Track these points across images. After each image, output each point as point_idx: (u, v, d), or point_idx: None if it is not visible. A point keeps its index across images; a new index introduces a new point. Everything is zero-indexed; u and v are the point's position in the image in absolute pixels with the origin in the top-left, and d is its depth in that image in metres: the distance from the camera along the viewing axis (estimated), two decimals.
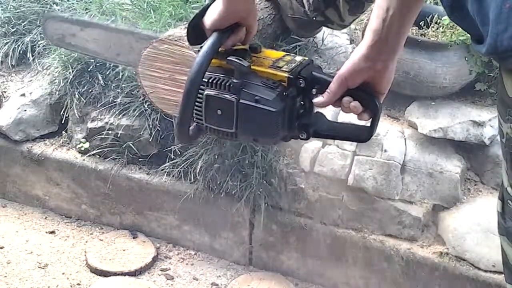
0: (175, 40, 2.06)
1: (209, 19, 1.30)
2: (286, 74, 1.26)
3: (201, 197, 2.51)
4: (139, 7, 2.71)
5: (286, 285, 2.47)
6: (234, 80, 1.26)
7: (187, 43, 1.53)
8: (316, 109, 1.32)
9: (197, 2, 2.62)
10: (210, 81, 1.28)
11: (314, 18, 2.41)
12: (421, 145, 2.38)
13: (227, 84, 1.27)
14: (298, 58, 1.32)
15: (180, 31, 2.13)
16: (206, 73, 1.27)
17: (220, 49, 1.30)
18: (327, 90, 1.24)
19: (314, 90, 1.27)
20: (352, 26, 2.79)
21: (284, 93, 1.26)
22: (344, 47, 2.73)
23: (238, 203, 2.45)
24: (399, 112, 2.50)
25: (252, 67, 1.28)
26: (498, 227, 1.15)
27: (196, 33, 1.35)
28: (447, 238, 2.29)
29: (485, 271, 2.22)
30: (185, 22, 2.33)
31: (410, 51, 2.35)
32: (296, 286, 2.49)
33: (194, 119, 1.32)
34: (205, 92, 1.28)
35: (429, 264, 2.28)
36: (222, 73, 1.29)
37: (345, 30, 2.78)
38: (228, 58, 1.28)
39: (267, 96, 1.24)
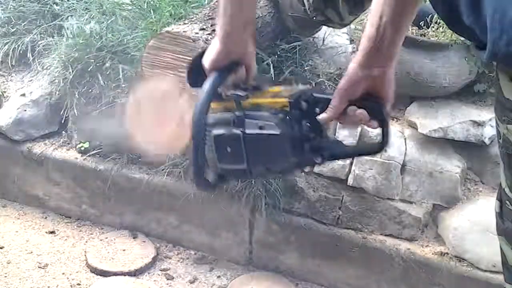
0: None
1: (207, 59, 1.31)
2: (286, 99, 1.27)
3: (201, 197, 2.51)
4: (139, 7, 2.70)
5: (286, 285, 2.47)
6: (237, 113, 1.26)
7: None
8: (332, 136, 1.31)
9: (197, 2, 2.61)
10: (215, 121, 1.28)
11: (314, 18, 2.41)
12: (421, 145, 2.38)
13: (231, 119, 1.27)
14: (299, 86, 1.32)
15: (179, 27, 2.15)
16: (211, 115, 1.26)
17: (222, 93, 1.30)
18: (330, 105, 1.23)
19: (317, 109, 1.27)
20: (352, 26, 2.78)
21: (288, 117, 1.26)
22: (344, 47, 2.72)
23: (238, 203, 2.45)
24: (399, 112, 2.50)
25: (253, 99, 1.28)
26: (497, 228, 1.15)
27: (196, 74, 1.35)
28: (447, 238, 2.29)
29: (485, 271, 2.22)
30: (185, 21, 2.33)
31: (410, 51, 2.35)
32: (296, 286, 2.49)
33: (209, 165, 1.30)
34: (213, 133, 1.27)
35: (429, 264, 2.28)
36: (225, 112, 1.29)
37: (345, 30, 2.78)
38: (226, 94, 1.28)
39: (270, 121, 1.25)
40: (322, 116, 1.25)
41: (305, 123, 1.28)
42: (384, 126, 1.25)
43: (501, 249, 1.16)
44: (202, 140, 1.26)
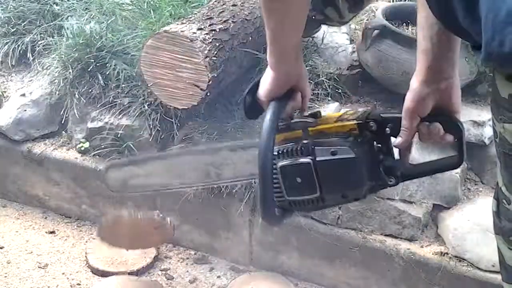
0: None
1: (262, 91, 1.30)
2: (354, 121, 1.24)
3: (201, 197, 2.50)
4: (139, 7, 2.71)
5: (286, 285, 2.46)
6: (304, 141, 1.23)
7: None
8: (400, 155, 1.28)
9: (197, 2, 2.61)
10: (280, 152, 1.24)
11: (313, 17, 2.40)
12: (421, 145, 2.37)
13: (298, 148, 1.23)
14: (361, 109, 1.30)
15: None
16: (275, 147, 1.22)
17: (280, 124, 1.28)
18: (402, 128, 1.22)
19: (387, 129, 1.24)
20: (352, 26, 2.78)
21: (358, 140, 1.23)
22: (344, 47, 2.72)
23: (238, 203, 2.45)
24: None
25: (317, 126, 1.26)
26: (494, 227, 1.15)
27: (253, 108, 1.34)
28: (447, 238, 2.28)
29: (485, 271, 2.21)
30: (183, 21, 2.33)
31: (410, 51, 2.33)
32: (296, 286, 2.49)
33: (276, 199, 1.25)
34: (279, 164, 1.23)
35: (429, 264, 2.27)
36: (289, 143, 1.25)
37: (345, 30, 2.77)
38: (291, 121, 1.26)
39: (342, 145, 1.21)
40: (397, 141, 1.23)
41: (376, 145, 1.26)
42: (460, 139, 1.23)
43: (498, 248, 1.16)
44: (270, 173, 1.21)
